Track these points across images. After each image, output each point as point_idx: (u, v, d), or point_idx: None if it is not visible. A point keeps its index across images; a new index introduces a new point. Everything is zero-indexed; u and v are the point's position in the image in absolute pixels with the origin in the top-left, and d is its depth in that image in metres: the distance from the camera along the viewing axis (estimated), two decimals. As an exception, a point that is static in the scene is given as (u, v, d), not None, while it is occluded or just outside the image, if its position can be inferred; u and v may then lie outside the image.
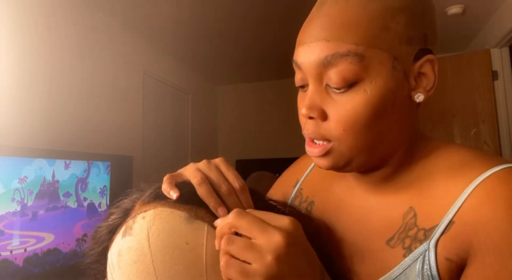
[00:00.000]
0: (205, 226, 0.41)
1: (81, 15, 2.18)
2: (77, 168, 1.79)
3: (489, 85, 2.52)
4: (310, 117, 0.46)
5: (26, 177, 1.50)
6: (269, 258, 0.35)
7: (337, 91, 0.44)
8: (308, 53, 0.45)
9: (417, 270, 0.42)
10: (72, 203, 1.74)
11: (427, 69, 0.46)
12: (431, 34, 0.46)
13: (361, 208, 0.52)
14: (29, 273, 1.51)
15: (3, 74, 1.68)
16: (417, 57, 0.45)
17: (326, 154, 0.46)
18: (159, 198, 0.44)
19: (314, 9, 0.47)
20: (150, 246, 0.39)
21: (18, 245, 1.47)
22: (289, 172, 0.70)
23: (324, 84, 0.45)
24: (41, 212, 1.57)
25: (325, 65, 0.43)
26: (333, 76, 0.43)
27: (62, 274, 1.65)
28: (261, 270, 0.34)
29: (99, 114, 2.28)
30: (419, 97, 0.45)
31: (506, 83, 2.51)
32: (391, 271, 0.44)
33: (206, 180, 0.43)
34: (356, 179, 0.53)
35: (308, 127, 0.46)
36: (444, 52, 2.93)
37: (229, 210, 0.42)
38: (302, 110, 0.46)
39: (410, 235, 0.45)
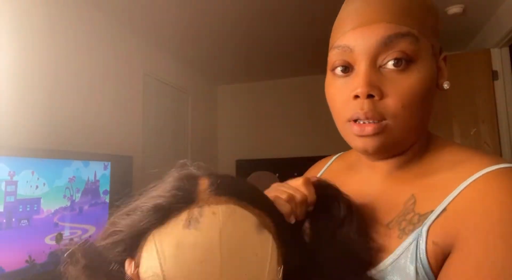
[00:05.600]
0: (270, 239, 0.39)
1: (81, 15, 2.18)
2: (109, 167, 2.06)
3: (489, 85, 2.52)
4: (369, 96, 0.46)
5: (74, 176, 1.77)
6: None
7: (395, 69, 0.46)
8: (366, 34, 0.47)
9: (410, 255, 0.44)
10: (109, 200, 2.03)
11: (443, 64, 0.52)
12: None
13: (372, 195, 0.54)
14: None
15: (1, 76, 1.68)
16: (439, 52, 0.51)
17: (379, 132, 0.47)
18: (229, 191, 0.40)
19: None
20: (221, 249, 0.36)
21: (69, 236, 1.74)
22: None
23: (378, 65, 0.47)
24: (86, 207, 1.84)
25: (386, 44, 0.46)
26: (394, 53, 0.46)
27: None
28: None
29: (99, 114, 2.28)
30: (447, 85, 0.51)
31: (506, 83, 2.51)
32: (389, 257, 0.46)
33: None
34: (370, 169, 0.56)
35: (363, 106, 0.47)
36: (444, 52, 2.92)
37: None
38: (357, 90, 0.46)
39: (406, 218, 0.47)
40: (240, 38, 2.85)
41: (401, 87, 0.46)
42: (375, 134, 0.47)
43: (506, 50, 2.53)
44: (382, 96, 0.46)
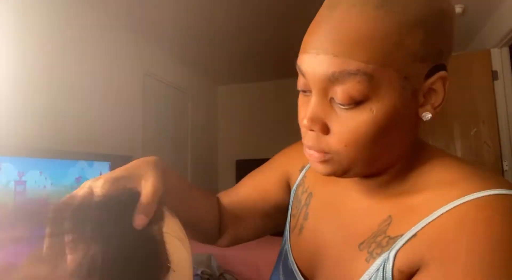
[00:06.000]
0: None
1: (82, 15, 2.18)
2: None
3: (489, 85, 2.52)
4: (311, 130, 0.44)
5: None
6: None
7: (342, 107, 0.42)
8: (313, 64, 0.42)
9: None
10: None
11: (438, 86, 0.44)
12: (447, 49, 0.44)
13: (350, 211, 0.52)
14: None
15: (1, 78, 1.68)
16: (429, 74, 0.43)
17: (324, 161, 0.45)
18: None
19: (323, 10, 0.43)
20: None
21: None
22: (293, 150, 0.68)
23: (329, 97, 0.42)
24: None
25: (331, 81, 0.41)
26: (339, 93, 0.40)
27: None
28: None
29: (99, 114, 2.28)
30: (426, 116, 0.44)
31: (506, 83, 2.51)
32: None
33: None
34: (347, 182, 0.53)
35: (308, 139, 0.45)
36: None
37: None
38: (304, 122, 0.44)
39: (376, 241, 0.45)
40: (240, 38, 2.85)
41: (346, 126, 0.42)
42: (321, 162, 0.45)
43: (506, 50, 2.53)
44: (327, 131, 0.43)
